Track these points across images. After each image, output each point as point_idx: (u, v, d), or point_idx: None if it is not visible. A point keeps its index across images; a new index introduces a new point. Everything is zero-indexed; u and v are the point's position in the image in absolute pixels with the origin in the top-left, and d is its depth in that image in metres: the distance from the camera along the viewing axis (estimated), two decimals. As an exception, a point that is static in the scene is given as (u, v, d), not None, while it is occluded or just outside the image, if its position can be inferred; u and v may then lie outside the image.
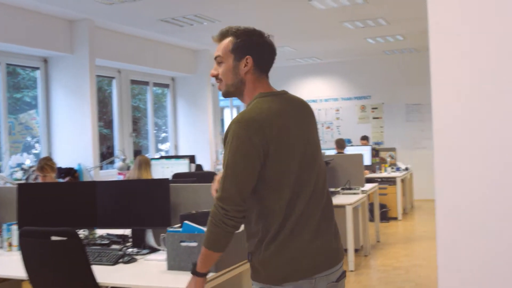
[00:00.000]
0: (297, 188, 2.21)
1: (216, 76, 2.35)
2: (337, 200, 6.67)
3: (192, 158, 8.49)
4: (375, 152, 11.12)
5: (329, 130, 13.85)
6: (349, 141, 13.54)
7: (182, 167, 7.91)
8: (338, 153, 9.92)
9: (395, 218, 10.11)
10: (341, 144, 10.04)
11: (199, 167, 8.85)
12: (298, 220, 2.20)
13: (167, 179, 4.04)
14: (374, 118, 13.46)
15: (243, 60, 2.29)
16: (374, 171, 10.73)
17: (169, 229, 3.45)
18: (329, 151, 10.57)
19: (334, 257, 2.29)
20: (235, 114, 14.54)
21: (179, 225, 3.53)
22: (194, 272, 2.32)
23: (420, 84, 12.89)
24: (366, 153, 10.79)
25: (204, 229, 3.06)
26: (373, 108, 13.46)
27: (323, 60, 13.49)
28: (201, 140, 11.25)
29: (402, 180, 10.62)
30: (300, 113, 2.35)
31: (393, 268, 6.56)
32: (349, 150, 10.34)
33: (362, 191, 7.23)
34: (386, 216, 10.00)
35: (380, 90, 13.34)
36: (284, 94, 2.37)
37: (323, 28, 9.55)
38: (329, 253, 2.27)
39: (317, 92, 13.92)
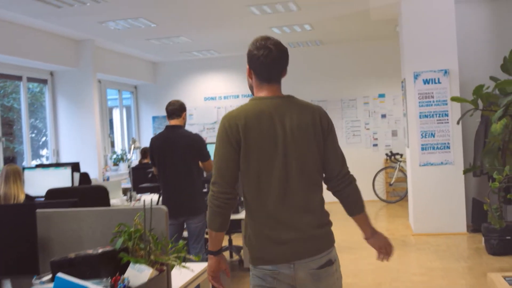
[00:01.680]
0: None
1: None
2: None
3: (75, 166, 7.09)
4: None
5: (230, 130, 12.76)
6: (252, 142, 12.54)
7: (63, 177, 6.52)
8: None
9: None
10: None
11: (84, 176, 7.45)
12: None
13: (32, 203, 2.76)
14: (278, 116, 12.52)
15: (248, 70, 2.69)
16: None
17: (36, 283, 2.24)
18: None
19: None
20: (124, 114, 13.21)
21: (50, 276, 2.31)
22: (207, 251, 2.64)
23: (325, 79, 12.14)
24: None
25: (88, 284, 2.20)
26: (276, 106, 12.52)
27: (222, 54, 12.39)
28: (86, 144, 9.80)
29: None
30: (289, 115, 2.53)
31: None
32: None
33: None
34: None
35: (283, 86, 12.29)
36: (271, 99, 2.57)
37: (226, 13, 8.45)
38: None
39: (216, 88, 12.81)
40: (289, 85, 12.25)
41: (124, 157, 11.58)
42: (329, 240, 2.56)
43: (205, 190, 5.88)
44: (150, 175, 6.59)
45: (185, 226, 5.40)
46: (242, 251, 6.97)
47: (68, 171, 6.59)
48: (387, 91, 11.85)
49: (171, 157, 5.22)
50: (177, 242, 5.39)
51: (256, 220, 2.48)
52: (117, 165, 11.50)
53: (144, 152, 9.77)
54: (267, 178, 2.44)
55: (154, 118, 13.16)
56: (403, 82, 8.44)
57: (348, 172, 2.62)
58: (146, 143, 13.01)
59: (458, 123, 7.23)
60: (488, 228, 6.67)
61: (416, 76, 7.99)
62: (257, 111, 2.49)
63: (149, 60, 12.72)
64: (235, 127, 2.44)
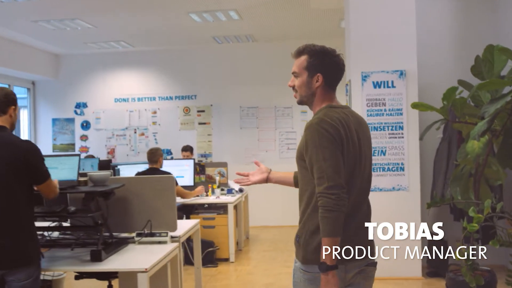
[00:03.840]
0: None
1: (293, 87, 2.74)
2: (126, 261, 3.80)
3: None
4: (199, 168, 8.32)
5: (144, 137, 10.81)
6: (169, 153, 10.63)
7: None
8: (151, 170, 6.98)
9: (226, 260, 7.35)
10: (151, 156, 7.05)
11: None
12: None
13: None
14: (200, 123, 10.67)
15: (315, 77, 2.66)
16: (199, 194, 7.93)
17: None
18: (141, 166, 7.65)
19: None
20: (32, 114, 11.07)
21: None
22: (328, 268, 2.40)
23: (257, 82, 10.37)
24: (188, 169, 8.02)
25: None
26: (199, 111, 10.66)
27: (136, 48, 10.45)
28: None
29: (236, 207, 7.93)
30: (359, 127, 2.63)
31: None
32: (166, 166, 7.47)
33: (173, 237, 4.35)
34: (213, 258, 7.20)
35: (208, 89, 10.59)
36: (347, 108, 2.72)
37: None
38: None
39: (129, 88, 10.84)
40: (218, 89, 10.43)
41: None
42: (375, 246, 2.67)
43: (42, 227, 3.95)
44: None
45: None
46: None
47: None
48: (328, 99, 10.19)
49: (-20, 177, 3.26)
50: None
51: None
52: None
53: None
54: (354, 186, 2.53)
55: (54, 120, 11.02)
56: (347, 85, 6.72)
57: None
58: (43, 151, 10.89)
59: (421, 138, 5.54)
60: (455, 281, 4.99)
61: (364, 78, 6.30)
62: (344, 120, 2.56)
63: (49, 51, 10.63)
64: (338, 133, 2.50)
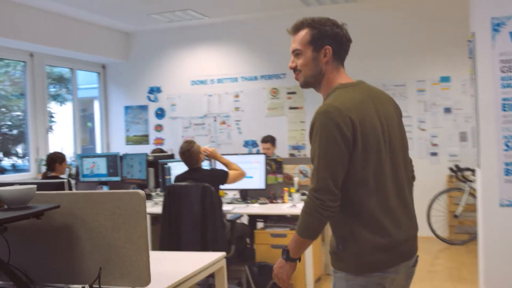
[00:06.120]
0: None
1: (295, 68, 2.39)
2: None
3: None
4: (276, 166, 6.40)
5: (225, 126, 9.06)
6: (254, 144, 8.83)
7: None
8: (192, 171, 5.17)
9: (302, 293, 5.39)
10: (188, 159, 5.18)
11: None
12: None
13: None
14: (291, 108, 8.71)
15: (322, 51, 2.33)
16: (273, 200, 6.05)
17: None
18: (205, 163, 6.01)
19: None
20: (103, 102, 9.84)
21: None
22: (288, 258, 2.30)
23: (360, 55, 8.22)
24: (257, 167, 6.19)
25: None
26: (289, 93, 8.71)
27: (213, 19, 8.70)
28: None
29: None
30: (380, 106, 2.30)
31: None
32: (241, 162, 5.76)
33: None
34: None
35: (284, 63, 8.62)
36: (362, 84, 2.37)
37: None
38: None
39: (206, 69, 9.15)
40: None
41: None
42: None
43: None
44: None
45: None
46: None
47: None
48: (454, 73, 7.85)
49: None
50: None
51: (370, 224, 2.19)
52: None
53: (51, 160, 6.29)
54: (383, 176, 2.21)
55: (127, 108, 9.61)
56: (470, 41, 4.47)
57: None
58: (116, 144, 9.56)
59: None
60: None
61: (496, 27, 4.03)
62: (358, 101, 2.24)
63: (118, 29, 9.21)
64: (349, 122, 2.14)
